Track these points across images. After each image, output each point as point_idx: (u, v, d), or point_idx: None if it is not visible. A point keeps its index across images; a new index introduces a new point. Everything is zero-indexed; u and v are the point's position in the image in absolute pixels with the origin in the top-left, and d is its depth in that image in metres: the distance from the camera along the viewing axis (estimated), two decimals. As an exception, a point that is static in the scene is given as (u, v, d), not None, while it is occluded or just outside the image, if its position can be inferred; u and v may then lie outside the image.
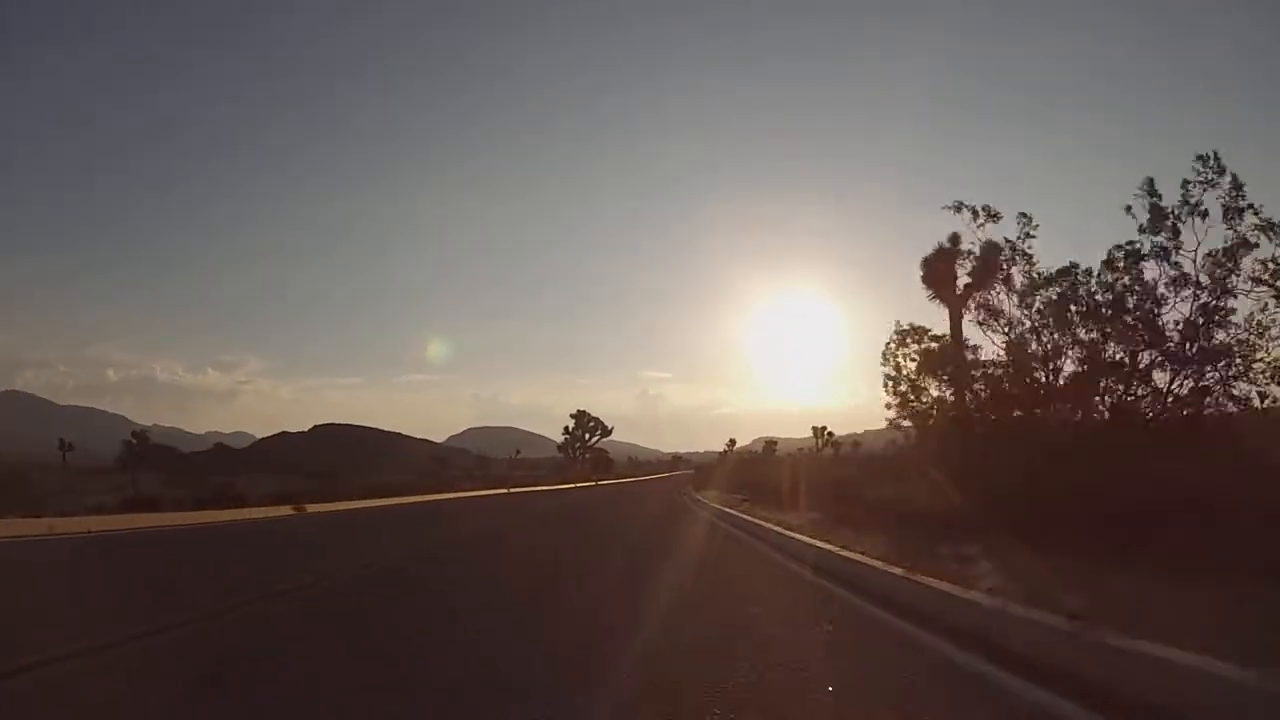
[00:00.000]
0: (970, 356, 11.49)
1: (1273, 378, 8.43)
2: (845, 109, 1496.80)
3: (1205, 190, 9.00)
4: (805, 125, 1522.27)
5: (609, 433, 78.18)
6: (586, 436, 76.48)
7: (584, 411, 77.19)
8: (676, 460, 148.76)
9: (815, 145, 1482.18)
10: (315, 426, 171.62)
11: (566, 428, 76.36)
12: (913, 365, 12.62)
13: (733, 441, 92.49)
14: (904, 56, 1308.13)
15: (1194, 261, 9.06)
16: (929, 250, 12.31)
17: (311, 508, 23.39)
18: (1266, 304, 8.56)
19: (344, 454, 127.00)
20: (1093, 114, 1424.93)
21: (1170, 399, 9.05)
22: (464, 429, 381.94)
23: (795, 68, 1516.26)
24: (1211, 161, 8.92)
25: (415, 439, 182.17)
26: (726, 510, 17.80)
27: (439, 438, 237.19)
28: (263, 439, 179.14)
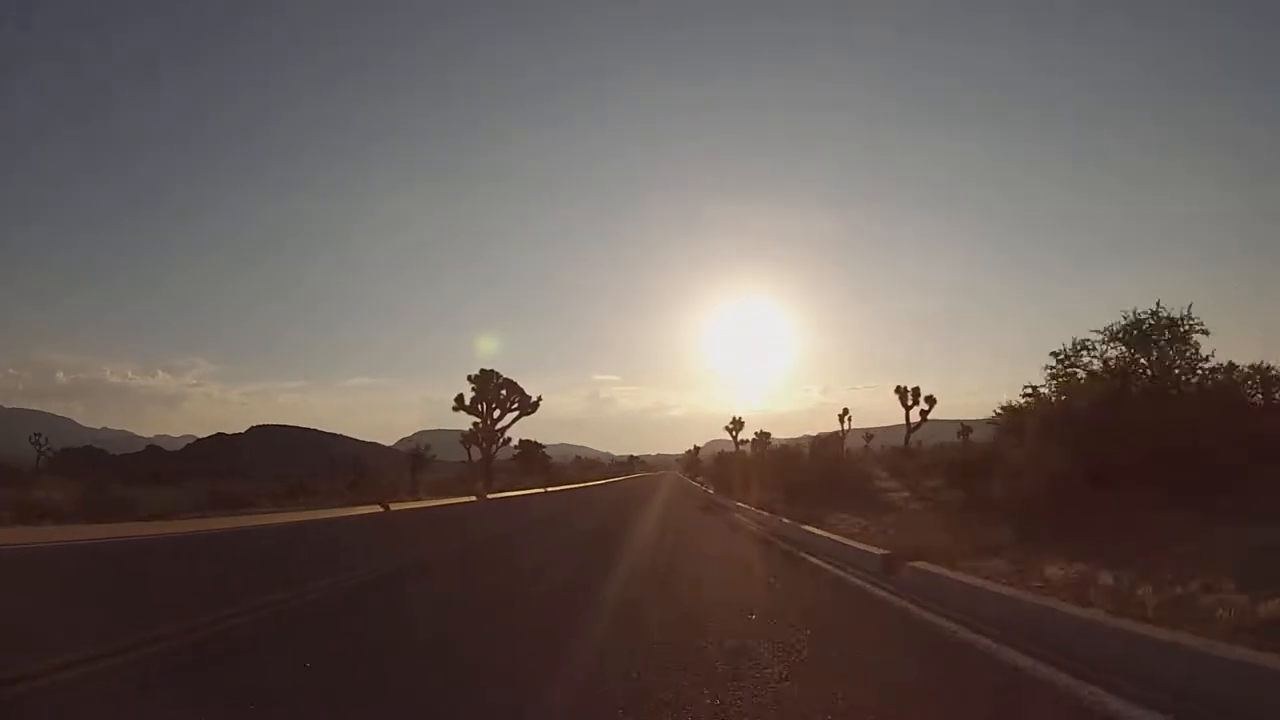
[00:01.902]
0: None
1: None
2: (794, 111, 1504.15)
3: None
4: (755, 127, 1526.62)
5: (533, 408, 48.47)
6: (497, 414, 47.36)
7: (491, 371, 47.59)
8: (632, 461, 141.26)
9: (766, 147, 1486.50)
10: (252, 428, 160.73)
11: (460, 398, 46.52)
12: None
13: (738, 422, 71.08)
14: (853, 56, 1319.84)
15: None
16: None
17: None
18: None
19: (280, 457, 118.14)
20: (1046, 107, 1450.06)
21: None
22: (414, 431, 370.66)
23: (746, 70, 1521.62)
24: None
25: (363, 442, 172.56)
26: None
27: (388, 441, 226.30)
28: (198, 441, 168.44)
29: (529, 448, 62.26)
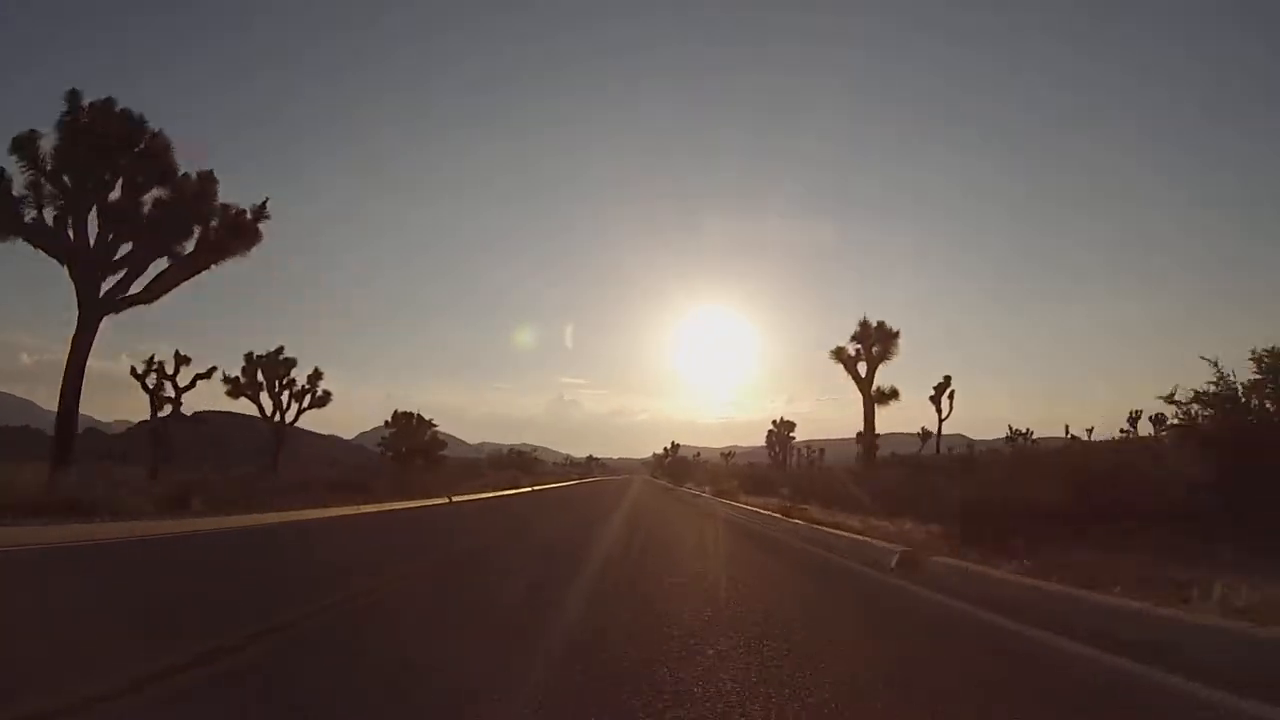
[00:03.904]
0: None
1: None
2: (757, 116, 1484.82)
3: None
4: (720, 131, 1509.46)
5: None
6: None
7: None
8: (591, 462, 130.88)
9: (739, 153, 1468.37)
10: (195, 413, 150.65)
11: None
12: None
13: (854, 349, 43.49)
14: (816, 65, 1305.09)
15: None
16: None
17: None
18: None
19: (221, 444, 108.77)
20: (1001, 124, 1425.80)
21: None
22: (375, 426, 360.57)
23: (706, 71, 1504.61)
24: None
25: (320, 435, 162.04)
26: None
27: (349, 434, 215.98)
28: (136, 425, 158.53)
29: (405, 426, 41.98)
